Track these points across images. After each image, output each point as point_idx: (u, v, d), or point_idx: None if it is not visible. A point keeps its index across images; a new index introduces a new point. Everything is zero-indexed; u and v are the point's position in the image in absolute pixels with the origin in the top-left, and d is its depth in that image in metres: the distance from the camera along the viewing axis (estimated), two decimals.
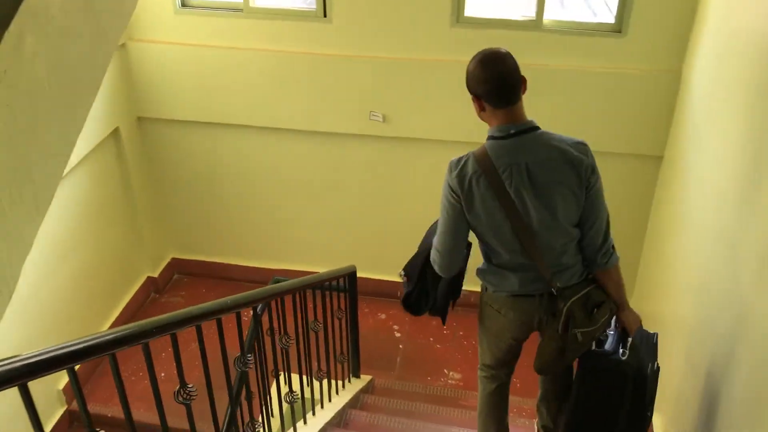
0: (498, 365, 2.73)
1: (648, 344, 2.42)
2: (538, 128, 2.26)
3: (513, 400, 3.01)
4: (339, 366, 3.78)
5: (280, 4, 4.27)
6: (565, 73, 3.95)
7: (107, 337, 1.76)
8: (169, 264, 5.40)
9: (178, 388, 2.04)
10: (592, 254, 2.36)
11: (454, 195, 2.26)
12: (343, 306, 3.67)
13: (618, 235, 2.46)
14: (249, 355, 2.52)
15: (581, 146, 2.25)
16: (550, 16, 3.86)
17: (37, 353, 1.58)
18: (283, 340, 2.90)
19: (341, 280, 3.61)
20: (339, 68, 4.25)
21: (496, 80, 2.17)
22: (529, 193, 2.21)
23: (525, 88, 2.24)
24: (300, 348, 3.12)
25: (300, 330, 3.09)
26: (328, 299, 3.47)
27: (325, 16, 4.12)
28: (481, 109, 2.25)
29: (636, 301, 4.26)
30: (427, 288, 2.63)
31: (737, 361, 2.25)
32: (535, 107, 3.99)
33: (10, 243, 1.48)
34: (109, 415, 4.19)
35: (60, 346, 1.64)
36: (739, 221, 2.45)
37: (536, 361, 2.45)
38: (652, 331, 2.47)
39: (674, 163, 3.84)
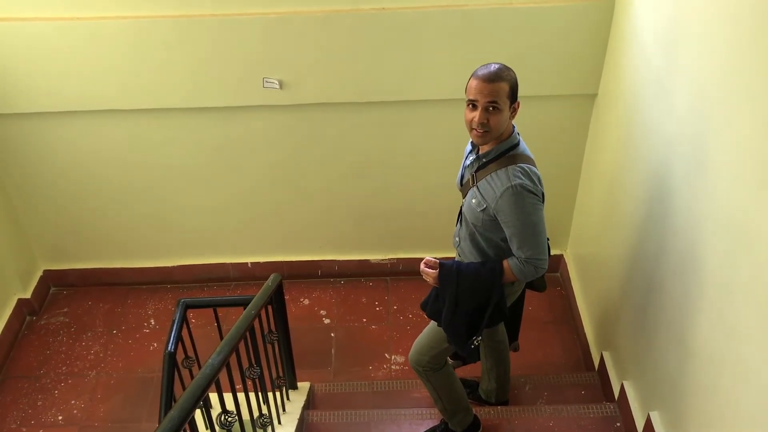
0: None
1: None
2: None
3: None
4: (277, 391, 3.25)
5: None
6: (482, 13, 3.41)
7: None
8: (41, 278, 4.55)
9: None
10: None
11: (541, 200, 2.46)
12: (273, 326, 3.10)
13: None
14: None
15: None
16: None
17: None
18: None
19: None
20: (219, 31, 3.48)
21: None
22: None
23: None
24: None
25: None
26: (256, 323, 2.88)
27: None
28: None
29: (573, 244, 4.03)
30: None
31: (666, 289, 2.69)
32: (452, 55, 3.49)
33: None
34: None
35: None
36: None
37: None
38: None
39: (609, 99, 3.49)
